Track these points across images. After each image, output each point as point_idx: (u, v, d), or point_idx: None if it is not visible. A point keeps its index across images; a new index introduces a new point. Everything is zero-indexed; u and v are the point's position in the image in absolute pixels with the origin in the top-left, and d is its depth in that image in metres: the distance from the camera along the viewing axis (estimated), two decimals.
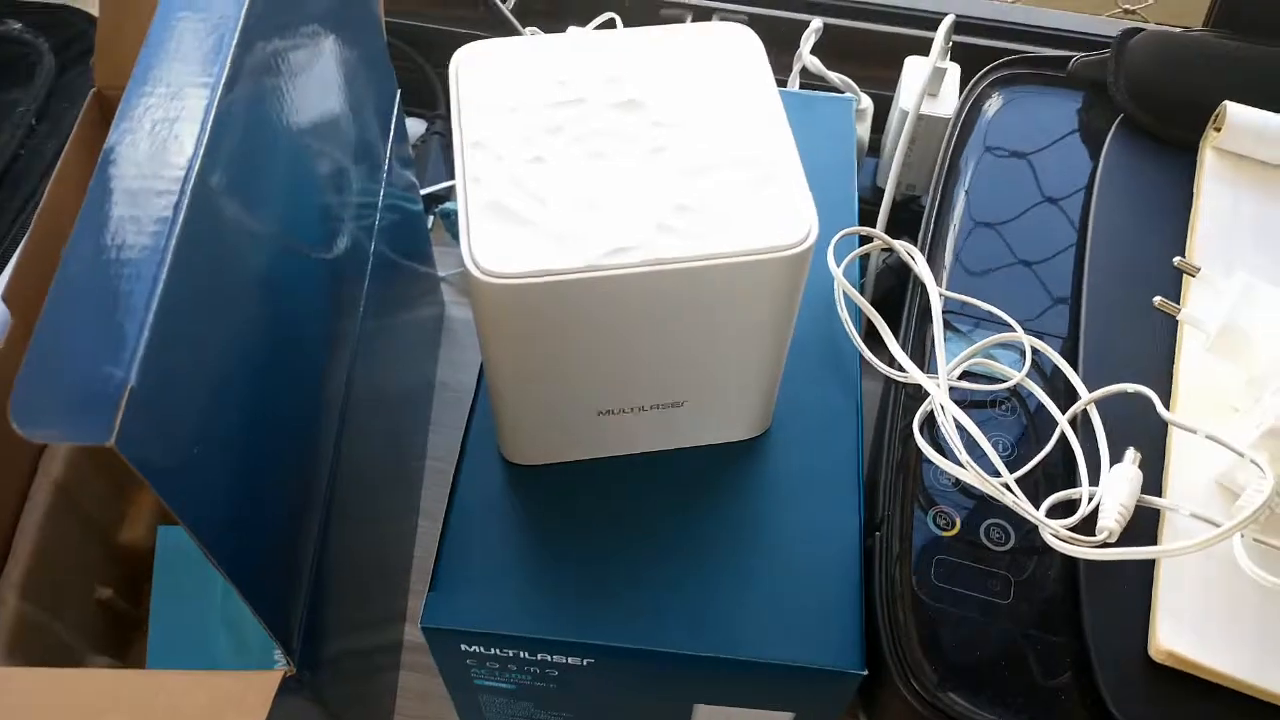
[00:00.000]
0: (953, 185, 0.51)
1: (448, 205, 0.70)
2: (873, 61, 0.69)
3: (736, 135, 0.36)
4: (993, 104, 0.54)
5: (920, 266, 0.47)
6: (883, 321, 0.45)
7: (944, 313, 0.45)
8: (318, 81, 0.43)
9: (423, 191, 0.73)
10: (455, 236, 0.71)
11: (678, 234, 0.34)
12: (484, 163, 0.35)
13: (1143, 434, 0.42)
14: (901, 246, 0.48)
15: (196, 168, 0.30)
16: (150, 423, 0.27)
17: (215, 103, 0.32)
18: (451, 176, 0.75)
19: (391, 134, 0.59)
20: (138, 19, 0.47)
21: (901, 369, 0.44)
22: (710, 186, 0.35)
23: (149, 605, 0.53)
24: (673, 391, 0.40)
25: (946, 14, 0.60)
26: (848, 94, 0.63)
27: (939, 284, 0.47)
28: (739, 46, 0.39)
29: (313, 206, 0.42)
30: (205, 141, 0.31)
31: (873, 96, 0.65)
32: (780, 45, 0.71)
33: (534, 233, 0.34)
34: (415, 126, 0.77)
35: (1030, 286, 0.47)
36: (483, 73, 0.38)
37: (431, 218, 0.74)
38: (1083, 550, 0.37)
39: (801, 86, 0.66)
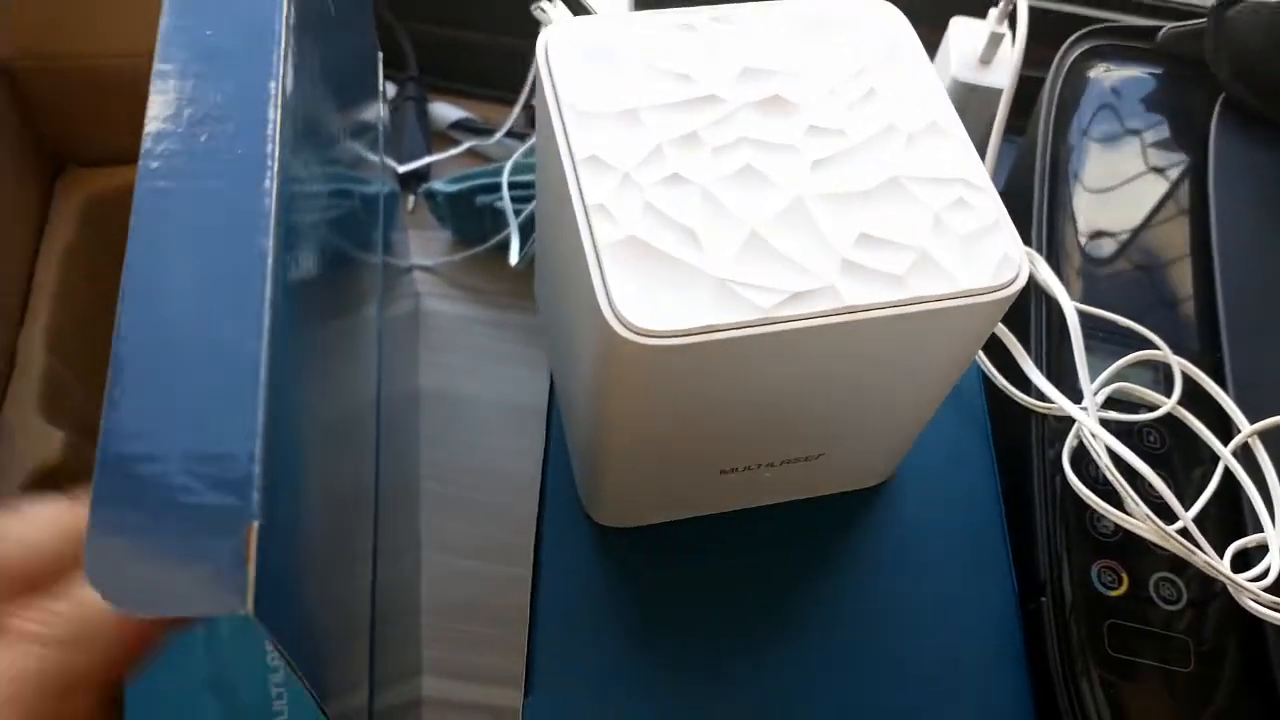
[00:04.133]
0: (1058, 177, 0.45)
1: (433, 185, 0.62)
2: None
3: (910, 144, 0.30)
4: (1086, 81, 0.49)
5: (1044, 274, 0.41)
6: (1015, 341, 0.40)
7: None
8: (332, 74, 0.34)
9: (402, 169, 0.64)
10: (441, 220, 0.63)
11: (867, 274, 0.27)
12: (607, 186, 0.28)
13: None
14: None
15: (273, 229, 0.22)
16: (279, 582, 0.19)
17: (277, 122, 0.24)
18: (430, 148, 0.66)
19: (382, 110, 0.51)
20: None
21: (1042, 396, 0.38)
22: (894, 212, 0.28)
23: None
24: (815, 445, 0.33)
25: None
26: None
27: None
28: (886, 27, 0.32)
29: (330, 216, 0.34)
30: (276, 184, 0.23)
31: None
32: None
33: (690, 277, 0.27)
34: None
35: (1158, 295, 0.42)
36: (581, 63, 0.31)
37: (411, 199, 0.65)
38: None
39: None
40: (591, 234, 0.27)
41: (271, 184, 0.22)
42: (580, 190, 0.28)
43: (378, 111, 0.51)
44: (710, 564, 0.36)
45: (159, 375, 0.20)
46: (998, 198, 0.29)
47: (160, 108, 0.23)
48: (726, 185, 0.28)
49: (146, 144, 0.23)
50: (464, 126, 0.67)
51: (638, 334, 0.26)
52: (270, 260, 0.21)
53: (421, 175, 0.65)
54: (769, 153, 0.29)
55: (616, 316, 0.26)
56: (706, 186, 0.28)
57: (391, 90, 0.67)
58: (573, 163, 0.29)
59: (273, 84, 0.24)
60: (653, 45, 0.31)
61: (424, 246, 0.64)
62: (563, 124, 0.29)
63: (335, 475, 0.29)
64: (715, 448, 0.32)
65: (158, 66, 0.24)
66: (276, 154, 0.23)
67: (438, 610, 0.52)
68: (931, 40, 0.58)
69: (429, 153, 0.65)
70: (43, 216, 0.46)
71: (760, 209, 0.28)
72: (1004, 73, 0.55)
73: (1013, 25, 0.54)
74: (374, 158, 0.48)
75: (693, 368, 0.27)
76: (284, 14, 0.26)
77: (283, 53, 0.25)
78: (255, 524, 0.18)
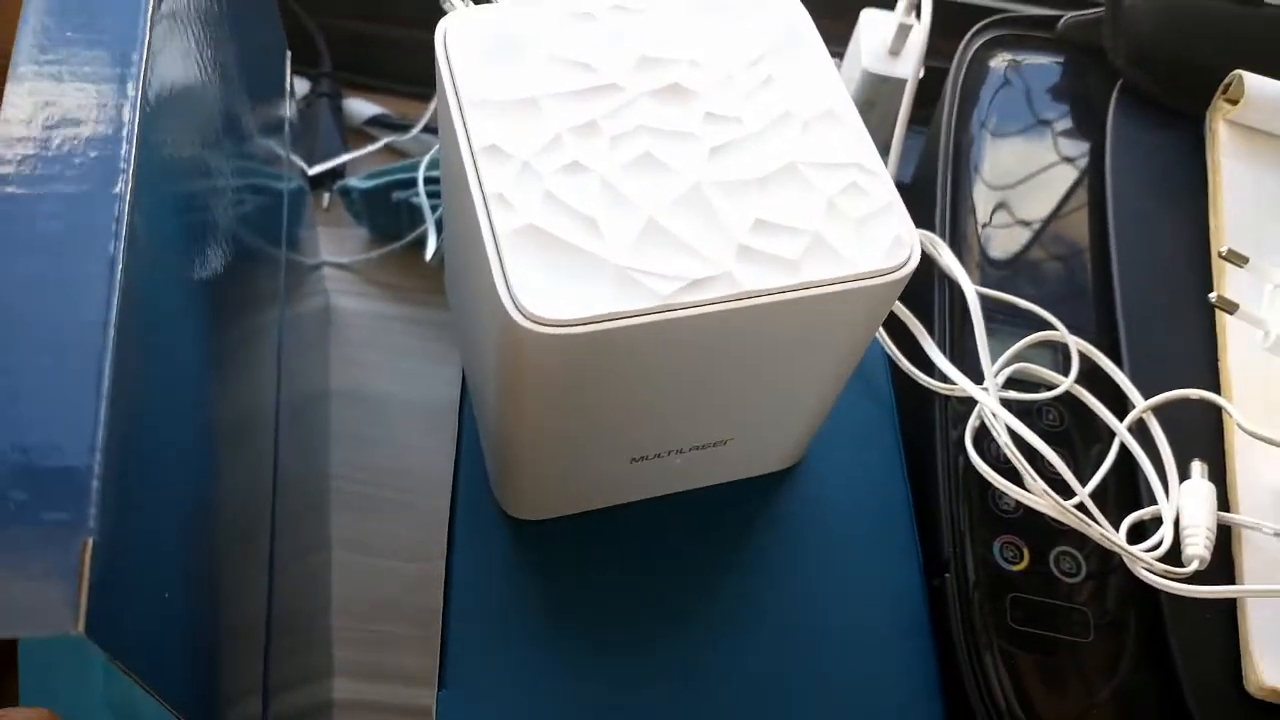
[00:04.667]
0: (961, 164, 0.46)
1: (348, 182, 0.61)
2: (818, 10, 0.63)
3: (805, 131, 0.30)
4: (987, 71, 0.50)
5: (946, 258, 0.42)
6: (919, 324, 0.40)
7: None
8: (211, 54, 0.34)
9: (314, 170, 0.63)
10: (356, 216, 0.62)
11: (764, 260, 0.27)
12: (507, 175, 0.28)
13: (1198, 442, 0.39)
14: (922, 234, 0.43)
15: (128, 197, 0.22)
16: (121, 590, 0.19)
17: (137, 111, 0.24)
18: (345, 145, 0.65)
19: (289, 107, 0.50)
20: None
21: (945, 378, 0.39)
22: (790, 197, 0.29)
23: None
24: (721, 431, 0.34)
25: None
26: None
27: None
28: (784, 14, 0.33)
29: (221, 216, 0.33)
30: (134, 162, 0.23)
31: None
32: None
33: (590, 265, 0.27)
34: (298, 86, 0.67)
35: (1056, 277, 0.43)
36: (481, 52, 0.30)
37: (327, 196, 0.64)
38: (1185, 587, 0.34)
39: None
40: (491, 223, 0.27)
41: (125, 187, 0.22)
42: (479, 179, 0.28)
43: (283, 107, 0.50)
44: (624, 553, 0.36)
45: None
46: (890, 182, 0.30)
47: (15, 110, 0.23)
48: (625, 173, 0.29)
49: None
50: (380, 122, 0.67)
51: (538, 323, 0.26)
52: (119, 267, 0.21)
53: (337, 173, 0.64)
54: (667, 140, 0.29)
55: (516, 306, 0.26)
56: (605, 175, 0.28)
57: (304, 87, 0.66)
58: (471, 152, 0.29)
59: (132, 86, 0.24)
60: (553, 34, 0.31)
61: (339, 244, 0.63)
62: (461, 113, 0.29)
63: (217, 479, 0.29)
64: (623, 436, 0.32)
65: (14, 69, 0.23)
66: (134, 156, 0.22)
67: (350, 611, 0.52)
68: (843, 33, 0.59)
69: (344, 149, 0.65)
70: None
71: (659, 196, 0.28)
72: (908, 63, 0.56)
73: (919, 16, 0.55)
74: (280, 153, 0.47)
75: (595, 355, 0.27)
76: (147, 15, 0.25)
77: (144, 54, 0.24)
78: (90, 540, 0.18)
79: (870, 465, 0.39)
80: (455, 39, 0.31)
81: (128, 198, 0.21)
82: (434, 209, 0.58)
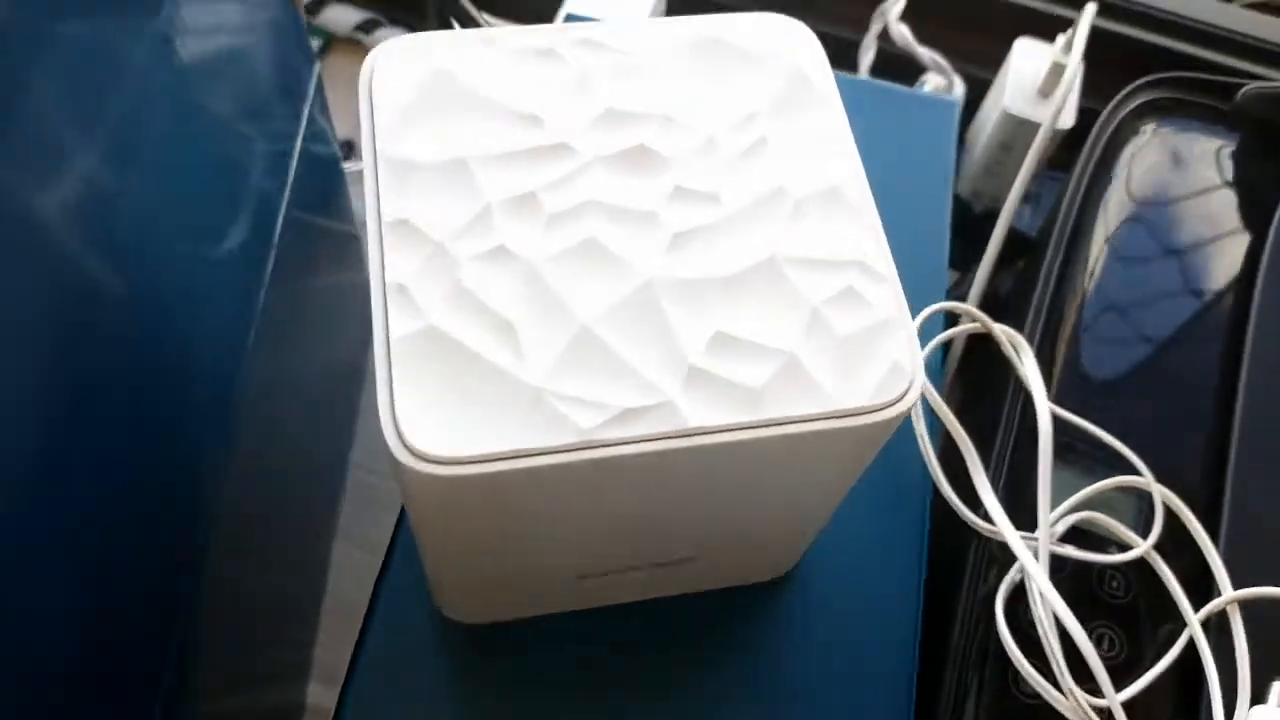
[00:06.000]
0: (1076, 257, 0.38)
1: None
2: (970, 26, 0.55)
3: (797, 214, 0.24)
4: (1136, 144, 0.41)
5: (1028, 368, 0.34)
6: (971, 446, 0.33)
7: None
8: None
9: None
10: None
11: (717, 386, 0.22)
12: (415, 260, 0.23)
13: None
14: (1004, 335, 0.36)
15: None
16: None
17: None
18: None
19: (314, 62, 0.46)
20: None
21: (987, 518, 0.32)
22: (763, 305, 0.23)
23: None
24: (680, 550, 0.29)
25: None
26: (947, 93, 0.50)
27: (1049, 394, 0.34)
28: (792, 54, 0.27)
29: (201, 157, 0.30)
30: None
31: (966, 78, 0.52)
32: None
33: (499, 385, 0.22)
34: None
35: (1159, 412, 0.35)
36: (412, 96, 0.25)
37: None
38: None
39: (877, 55, 0.52)
40: (386, 322, 0.22)
41: None
42: (380, 259, 0.23)
43: (299, 71, 0.45)
44: (575, 663, 0.32)
45: None
46: (899, 288, 0.24)
47: None
48: (562, 264, 0.23)
49: None
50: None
51: (422, 459, 0.21)
52: None
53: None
54: (621, 222, 0.24)
55: (399, 435, 0.21)
56: (536, 265, 0.23)
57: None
58: (379, 227, 0.24)
59: None
60: (503, 75, 0.26)
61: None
62: (375, 176, 0.24)
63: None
64: (560, 559, 0.27)
65: None
66: None
67: (339, 611, 0.48)
68: (993, 53, 0.52)
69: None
70: None
71: (599, 297, 0.23)
72: (1064, 112, 0.47)
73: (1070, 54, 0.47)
74: (290, 120, 0.42)
75: (500, 495, 0.22)
76: None
77: None
78: None
79: (880, 595, 0.33)
80: (383, 78, 0.26)
81: None
82: None
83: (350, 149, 0.59)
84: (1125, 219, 0.39)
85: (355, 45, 0.61)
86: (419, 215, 0.24)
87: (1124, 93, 0.42)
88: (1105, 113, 0.42)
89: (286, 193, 0.40)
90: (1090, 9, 0.45)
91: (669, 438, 0.22)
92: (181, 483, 0.31)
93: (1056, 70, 0.47)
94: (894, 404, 0.22)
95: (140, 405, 0.28)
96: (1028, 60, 0.49)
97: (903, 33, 0.49)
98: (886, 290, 0.24)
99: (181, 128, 0.31)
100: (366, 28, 0.60)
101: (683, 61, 0.26)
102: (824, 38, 0.60)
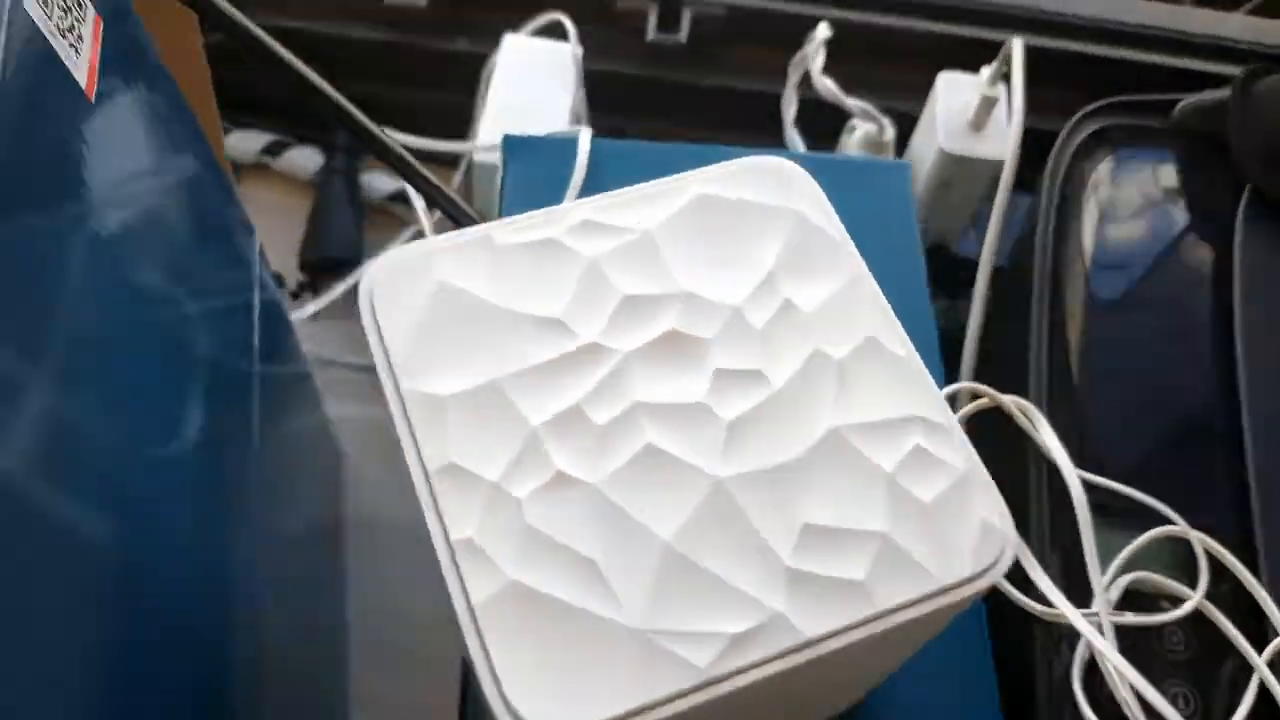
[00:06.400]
0: (1061, 310, 0.38)
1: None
2: (884, 58, 0.55)
3: (843, 377, 0.24)
4: (1094, 182, 0.41)
5: (1046, 437, 0.34)
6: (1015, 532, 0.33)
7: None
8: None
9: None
10: None
11: (822, 587, 0.21)
12: (474, 506, 0.22)
13: None
14: (1014, 405, 0.35)
15: None
16: None
17: None
18: (361, 226, 0.57)
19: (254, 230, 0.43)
20: None
21: (1043, 600, 0.31)
22: (839, 483, 0.22)
23: None
24: None
25: (1009, 33, 0.46)
26: (878, 136, 0.50)
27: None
28: (790, 198, 0.26)
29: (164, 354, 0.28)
30: None
31: (889, 113, 0.51)
32: (769, 41, 0.56)
33: (599, 634, 0.20)
34: (307, 158, 0.59)
35: (1180, 456, 0.36)
36: (420, 315, 0.24)
37: (340, 286, 0.56)
38: None
39: (800, 101, 0.52)
40: (464, 587, 0.21)
41: None
42: (441, 518, 0.22)
43: (233, 215, 0.43)
44: None
45: None
46: (963, 435, 0.23)
47: None
48: (625, 481, 0.22)
49: None
50: (403, 199, 0.59)
51: None
52: None
53: (347, 260, 0.57)
54: (673, 421, 0.23)
55: (508, 707, 0.20)
56: (599, 487, 0.22)
57: (317, 161, 0.58)
58: (425, 475, 0.22)
59: None
60: (510, 279, 0.24)
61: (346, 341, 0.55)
62: (406, 417, 0.23)
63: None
64: None
65: None
66: None
67: None
68: (915, 83, 0.52)
69: (358, 231, 0.57)
70: None
71: (673, 510, 0.22)
72: (999, 142, 0.48)
73: (1008, 85, 0.47)
74: (236, 268, 0.40)
75: None
76: None
77: None
78: None
79: (954, 708, 0.32)
80: (386, 299, 0.24)
81: None
82: None
83: (281, 282, 0.56)
84: (1101, 263, 0.40)
85: (263, 169, 0.58)
86: (465, 456, 0.22)
87: (1069, 126, 0.43)
88: (1056, 148, 0.42)
89: (255, 361, 0.38)
90: (1018, 44, 0.45)
91: (787, 654, 0.21)
92: (179, 686, 0.29)
93: (987, 103, 0.47)
94: (994, 567, 0.22)
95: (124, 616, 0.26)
96: (954, 94, 0.49)
97: (828, 85, 0.49)
98: (953, 441, 0.23)
99: (138, 334, 0.29)
100: (273, 150, 0.58)
101: (684, 228, 0.25)
102: (743, 95, 0.59)
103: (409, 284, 0.24)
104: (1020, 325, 0.39)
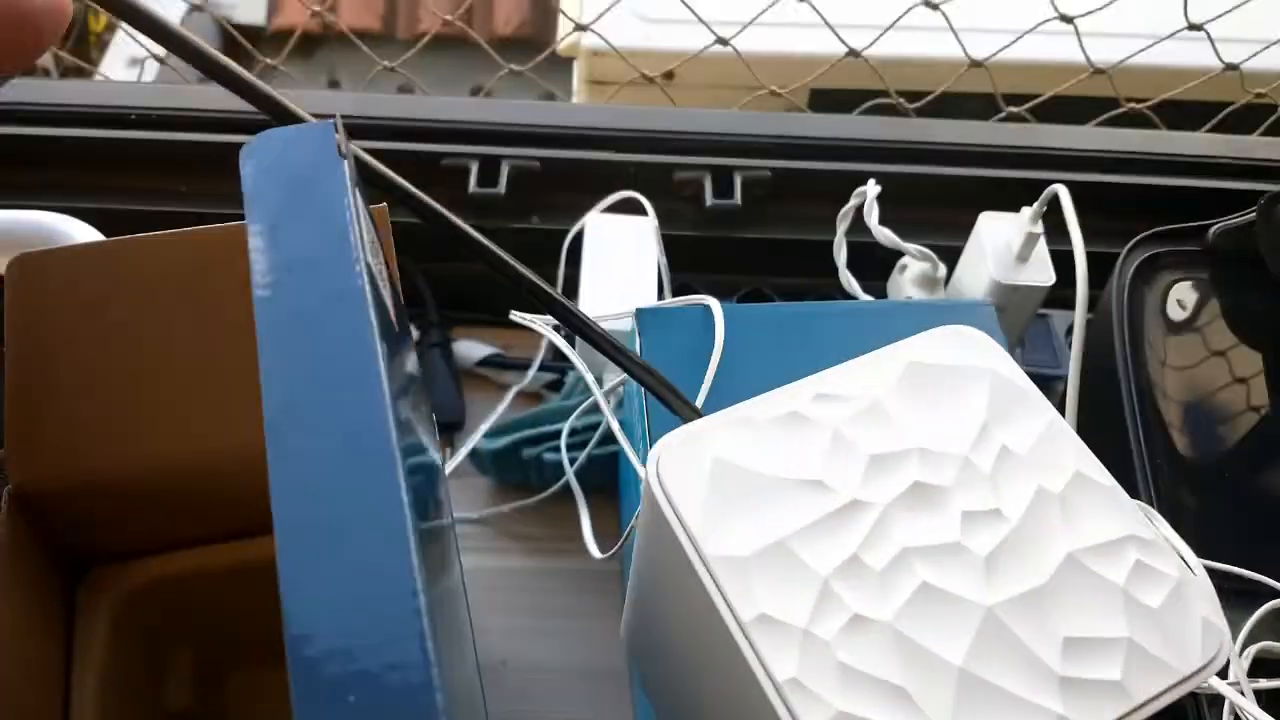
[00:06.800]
0: (1153, 422, 0.44)
1: (478, 445, 0.57)
2: (914, 202, 0.62)
3: (1065, 507, 0.28)
4: (1150, 299, 0.48)
5: (1168, 533, 0.38)
6: None
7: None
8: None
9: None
10: (483, 472, 0.59)
11: (1090, 690, 0.25)
12: (790, 650, 0.26)
13: None
14: (1139, 506, 0.40)
15: None
16: None
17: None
18: (460, 393, 0.62)
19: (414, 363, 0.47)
20: (54, 400, 0.37)
21: None
22: (1084, 600, 0.27)
23: None
24: None
25: (1052, 182, 0.52)
26: (932, 272, 0.56)
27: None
28: (981, 358, 0.31)
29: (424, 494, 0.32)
30: None
31: (935, 249, 0.58)
32: (813, 196, 0.63)
33: None
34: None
35: (1272, 534, 0.41)
36: (703, 488, 0.28)
37: (448, 450, 0.60)
38: None
39: (850, 246, 0.58)
40: (794, 718, 0.25)
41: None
42: (763, 663, 0.26)
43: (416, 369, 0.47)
44: None
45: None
46: (1166, 546, 0.28)
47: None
48: (912, 616, 0.26)
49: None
50: (492, 363, 0.64)
51: None
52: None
53: (454, 424, 0.61)
54: (938, 561, 0.27)
55: None
56: (893, 624, 0.26)
57: (414, 337, 0.63)
58: (740, 626, 0.26)
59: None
60: (771, 450, 0.29)
61: (464, 497, 0.59)
62: (709, 572, 0.27)
63: None
64: None
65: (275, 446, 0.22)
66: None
67: None
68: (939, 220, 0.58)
69: (460, 397, 0.62)
70: (69, 628, 0.41)
71: (956, 637, 0.26)
72: (1041, 270, 0.54)
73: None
74: (428, 421, 0.44)
75: None
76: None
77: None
78: None
79: None
80: (671, 472, 0.28)
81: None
82: (572, 461, 0.54)
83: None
84: (1180, 374, 0.45)
85: None
86: (772, 607, 0.26)
87: (1121, 256, 0.49)
88: (1114, 280, 0.48)
89: (449, 513, 0.41)
90: (1064, 191, 0.52)
91: None
92: None
93: (1031, 239, 0.53)
94: (1217, 657, 0.26)
95: None
96: (997, 231, 0.55)
97: (885, 233, 0.55)
98: (1165, 554, 0.28)
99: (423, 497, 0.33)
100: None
101: (904, 392, 0.30)
102: (789, 244, 0.66)
103: (689, 459, 0.29)
104: (1113, 435, 0.45)
